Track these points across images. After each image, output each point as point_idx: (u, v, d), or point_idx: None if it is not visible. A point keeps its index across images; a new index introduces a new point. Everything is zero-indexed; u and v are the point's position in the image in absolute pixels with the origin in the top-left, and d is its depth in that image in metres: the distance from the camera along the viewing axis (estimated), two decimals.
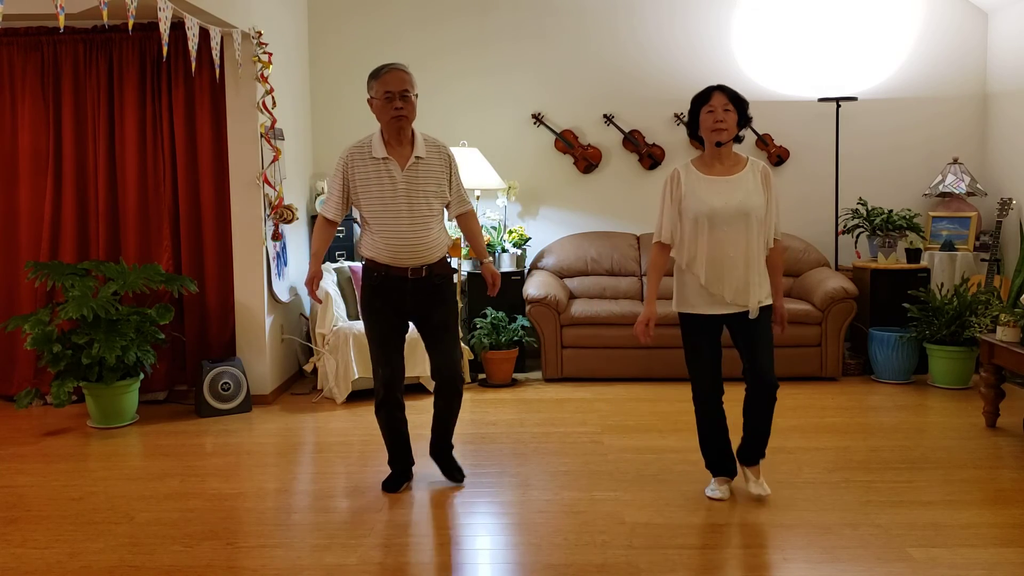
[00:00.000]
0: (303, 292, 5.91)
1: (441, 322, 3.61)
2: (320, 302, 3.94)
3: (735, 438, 3.65)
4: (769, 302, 3.48)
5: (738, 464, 3.64)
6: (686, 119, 3.58)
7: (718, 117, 3.36)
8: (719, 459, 3.62)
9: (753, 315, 3.41)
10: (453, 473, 3.79)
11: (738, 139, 3.47)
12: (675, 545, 3.09)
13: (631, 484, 3.73)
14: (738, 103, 3.41)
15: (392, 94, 3.42)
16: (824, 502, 3.49)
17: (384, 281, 3.55)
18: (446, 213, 3.72)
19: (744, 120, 3.44)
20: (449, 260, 3.69)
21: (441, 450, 3.81)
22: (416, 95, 3.49)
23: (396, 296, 3.56)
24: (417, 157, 3.50)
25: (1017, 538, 3.12)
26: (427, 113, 6.29)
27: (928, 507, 3.42)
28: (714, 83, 3.49)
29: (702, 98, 3.43)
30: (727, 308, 3.42)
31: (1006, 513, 3.36)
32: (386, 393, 3.62)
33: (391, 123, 3.46)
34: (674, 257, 3.50)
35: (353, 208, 3.68)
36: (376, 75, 3.47)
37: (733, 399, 3.62)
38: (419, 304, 3.58)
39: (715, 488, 3.59)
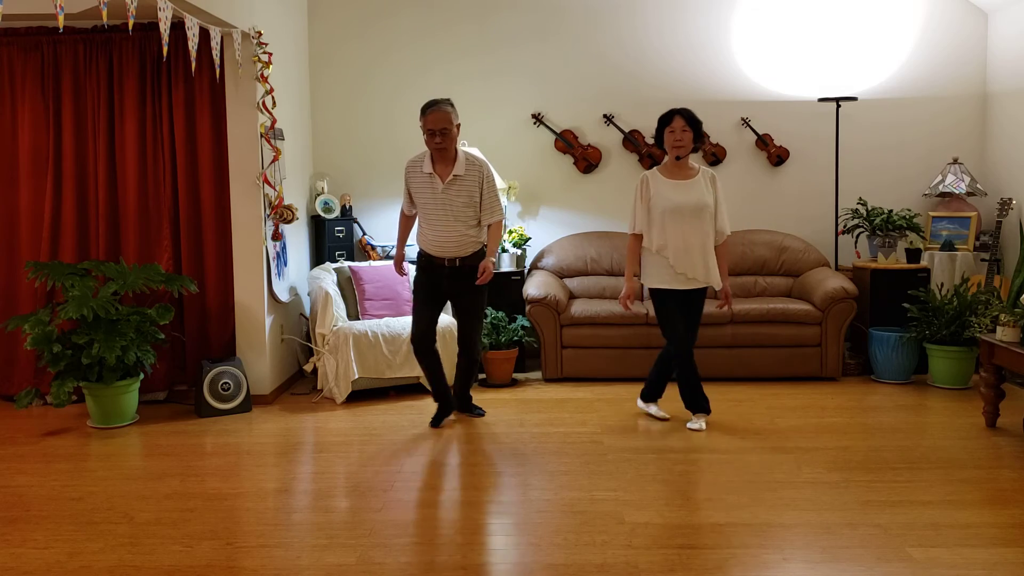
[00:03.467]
0: (303, 292, 5.92)
1: (467, 306, 4.62)
2: (404, 275, 4.88)
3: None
4: (717, 283, 4.49)
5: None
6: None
7: (677, 137, 4.39)
8: (696, 399, 4.57)
9: (717, 288, 4.50)
10: (472, 410, 4.89)
11: (695, 150, 4.50)
12: (675, 545, 3.09)
13: (631, 484, 3.73)
14: (694, 124, 4.41)
15: (434, 131, 4.35)
16: (824, 502, 3.49)
17: (428, 264, 4.56)
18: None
19: (699, 137, 4.46)
20: (483, 251, 4.55)
21: (461, 398, 4.90)
22: (458, 125, 4.43)
23: (436, 277, 4.56)
24: (455, 175, 4.43)
25: (1017, 538, 3.12)
26: None
27: (928, 507, 3.42)
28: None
29: (665, 120, 4.45)
30: (689, 284, 4.43)
31: (1006, 513, 3.36)
32: (416, 346, 4.62)
33: (434, 152, 4.43)
34: (645, 245, 4.49)
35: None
36: (424, 113, 4.38)
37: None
38: (452, 287, 4.57)
39: (695, 422, 4.55)
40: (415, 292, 4.70)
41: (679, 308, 4.48)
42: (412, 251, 5.00)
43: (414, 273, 4.84)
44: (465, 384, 4.89)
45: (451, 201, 4.43)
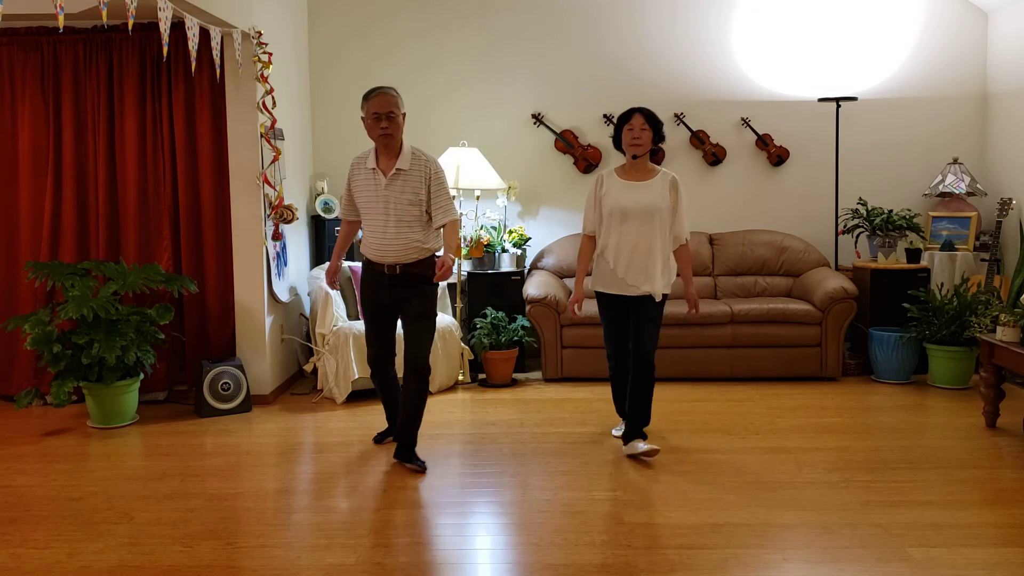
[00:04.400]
0: (303, 292, 5.92)
1: (412, 315, 4.02)
2: (337, 289, 4.41)
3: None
4: (666, 293, 4.13)
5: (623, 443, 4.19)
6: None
7: (635, 135, 4.10)
8: (636, 423, 4.17)
9: (657, 298, 4.09)
10: (412, 460, 3.99)
11: (654, 152, 4.21)
12: (675, 545, 3.09)
13: (631, 484, 3.73)
14: (653, 123, 4.13)
15: (379, 115, 3.89)
16: (824, 502, 3.49)
17: (369, 273, 4.10)
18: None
19: (658, 137, 4.16)
20: (431, 260, 4.01)
21: (402, 436, 4.03)
22: (404, 114, 3.98)
23: (377, 287, 4.06)
24: (398, 169, 3.95)
25: (1017, 538, 3.12)
26: (428, 113, 6.32)
27: (928, 507, 3.42)
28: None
29: (624, 118, 4.17)
30: (629, 290, 4.11)
31: (1006, 513, 3.36)
32: (374, 369, 4.21)
33: (379, 140, 3.95)
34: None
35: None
36: (366, 98, 3.95)
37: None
38: (394, 297, 4.04)
39: (623, 428, 4.25)
40: (361, 307, 4.22)
41: (618, 315, 4.20)
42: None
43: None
44: (410, 418, 4.01)
45: (395, 199, 3.93)
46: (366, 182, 4.01)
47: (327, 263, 5.83)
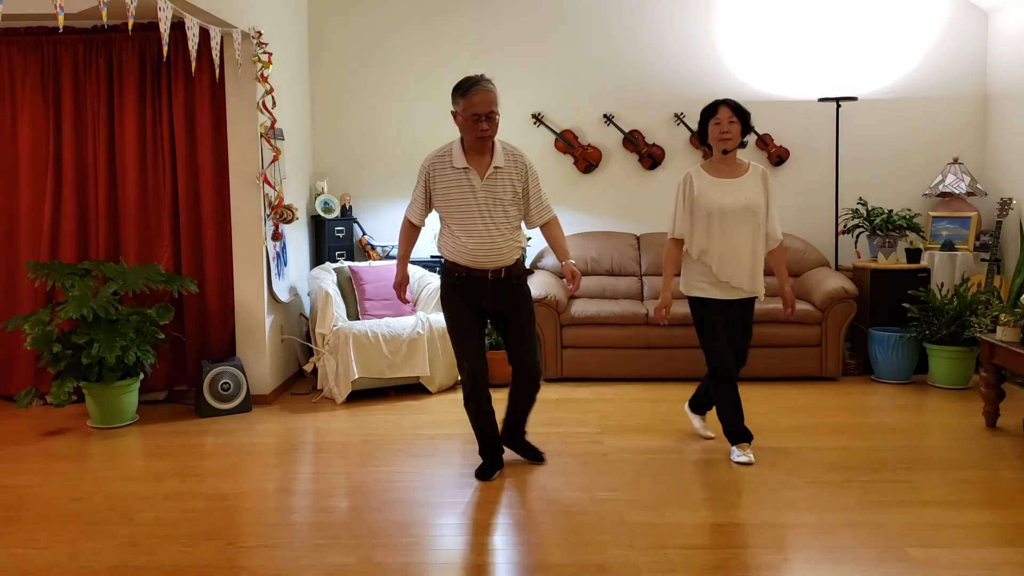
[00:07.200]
0: (303, 292, 5.92)
1: (520, 324, 3.85)
2: (408, 303, 4.02)
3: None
4: (762, 293, 4.03)
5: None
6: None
7: (724, 128, 3.90)
8: (739, 428, 4.05)
9: (761, 299, 4.01)
10: (533, 455, 4.05)
11: (742, 145, 4.00)
12: (675, 545, 3.09)
13: (631, 484, 3.73)
14: (741, 115, 3.93)
15: (479, 116, 3.59)
16: (824, 502, 3.49)
17: (466, 281, 3.76)
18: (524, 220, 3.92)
19: (747, 129, 3.97)
20: (523, 259, 3.86)
21: (515, 436, 4.06)
22: (499, 113, 3.68)
23: (477, 295, 3.77)
24: (495, 167, 3.70)
25: (1017, 538, 3.12)
26: (426, 112, 6.31)
27: (928, 507, 3.42)
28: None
29: (709, 111, 3.97)
30: (734, 294, 3.95)
31: (1006, 513, 3.36)
32: (473, 386, 3.78)
33: (475, 142, 3.67)
34: (686, 250, 4.02)
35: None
36: (465, 93, 3.62)
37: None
38: (499, 303, 3.79)
39: (740, 454, 4.01)
40: (454, 320, 3.81)
41: (720, 320, 3.97)
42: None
43: (417, 296, 4.17)
44: (519, 419, 4.03)
45: (494, 199, 3.68)
46: (455, 183, 3.69)
47: (327, 263, 5.85)
